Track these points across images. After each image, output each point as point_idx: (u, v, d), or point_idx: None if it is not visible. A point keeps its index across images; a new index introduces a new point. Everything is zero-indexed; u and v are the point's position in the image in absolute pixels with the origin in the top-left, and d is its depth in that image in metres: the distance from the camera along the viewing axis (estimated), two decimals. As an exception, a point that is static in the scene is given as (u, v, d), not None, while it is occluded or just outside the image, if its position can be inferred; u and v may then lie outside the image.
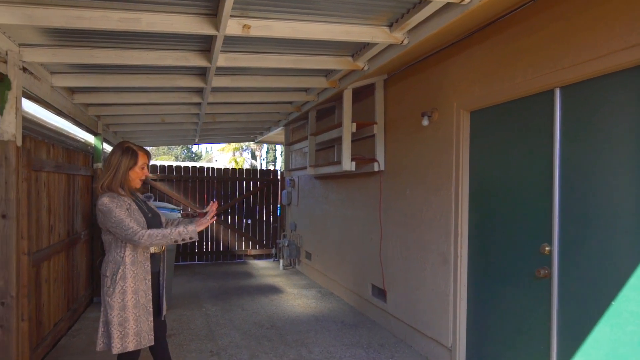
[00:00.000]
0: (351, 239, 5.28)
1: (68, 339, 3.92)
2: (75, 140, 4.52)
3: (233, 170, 8.52)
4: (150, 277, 2.46)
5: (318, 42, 3.29)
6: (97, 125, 5.12)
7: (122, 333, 2.31)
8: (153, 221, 2.57)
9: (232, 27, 2.68)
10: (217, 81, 3.95)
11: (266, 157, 29.98)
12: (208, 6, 2.52)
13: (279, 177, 8.66)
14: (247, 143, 25.46)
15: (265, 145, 27.31)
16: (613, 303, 2.23)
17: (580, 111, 2.44)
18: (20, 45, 2.85)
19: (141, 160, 2.48)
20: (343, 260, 5.52)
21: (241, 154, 29.19)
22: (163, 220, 2.71)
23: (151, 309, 2.45)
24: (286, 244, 7.34)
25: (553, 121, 2.59)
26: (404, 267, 4.10)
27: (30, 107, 3.32)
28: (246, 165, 27.41)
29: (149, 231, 2.34)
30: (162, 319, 2.66)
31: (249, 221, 8.52)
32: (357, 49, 3.58)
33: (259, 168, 19.16)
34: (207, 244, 8.22)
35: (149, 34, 2.86)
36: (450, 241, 3.45)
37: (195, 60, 3.29)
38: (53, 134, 3.92)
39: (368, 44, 3.40)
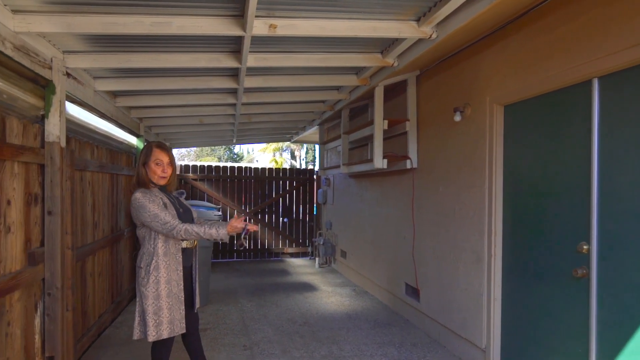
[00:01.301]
0: (385, 238, 5.22)
1: (112, 330, 4.16)
2: (119, 142, 4.78)
3: (270, 169, 8.67)
4: (181, 268, 2.56)
5: (346, 40, 3.28)
6: (139, 127, 5.38)
7: (157, 321, 2.42)
8: (184, 216, 2.66)
9: (259, 27, 2.73)
10: (249, 82, 4.03)
11: (305, 157, 30.25)
12: (235, 7, 2.58)
13: (315, 176, 8.71)
14: (286, 143, 25.82)
15: (305, 145, 27.58)
16: (660, 307, 2.07)
17: (620, 101, 2.28)
18: (64, 52, 3.06)
19: (154, 155, 2.55)
20: (377, 258, 5.47)
21: (281, 154, 29.64)
22: (194, 215, 2.81)
23: (183, 298, 2.55)
24: (321, 243, 7.37)
25: (591, 113, 2.43)
26: (437, 266, 4.00)
27: (75, 111, 3.55)
28: (286, 165, 27.79)
29: (186, 226, 2.42)
30: (195, 312, 2.76)
31: (286, 220, 8.63)
32: (385, 45, 3.53)
33: (298, 168, 19.40)
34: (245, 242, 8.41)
35: (182, 37, 2.97)
36: (484, 239, 3.32)
37: (226, 61, 3.38)
38: (99, 136, 4.17)
39: (396, 39, 3.35)
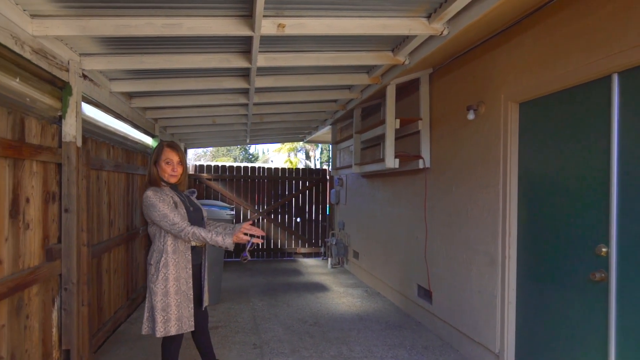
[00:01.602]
0: (397, 238, 5.18)
1: (127, 325, 4.23)
2: (134, 142, 4.86)
3: (283, 169, 8.70)
4: (190, 266, 2.58)
5: (356, 38, 3.27)
6: (154, 128, 5.47)
7: (165, 318, 2.46)
8: (194, 215, 2.69)
9: (267, 27, 2.74)
10: (260, 81, 4.06)
11: (320, 157, 30.26)
12: (243, 8, 2.60)
13: (328, 177, 8.70)
14: (301, 144, 25.89)
15: (320, 146, 27.61)
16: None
17: (640, 97, 2.21)
18: (81, 54, 3.13)
19: (164, 155, 2.59)
20: (389, 259, 5.43)
21: (296, 155, 29.74)
22: (204, 214, 2.84)
23: (192, 296, 2.57)
24: (334, 243, 7.36)
25: (610, 110, 2.36)
26: (450, 268, 3.94)
27: (92, 112, 3.62)
28: (300, 166, 27.85)
29: (194, 229, 2.45)
30: (203, 309, 2.79)
31: (299, 220, 8.65)
32: (396, 43, 3.51)
33: (311, 168, 19.34)
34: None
35: (193, 38, 3.01)
36: (498, 241, 3.26)
37: (237, 61, 3.41)
38: (115, 137, 4.25)
39: (407, 37, 3.33)
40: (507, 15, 2.91)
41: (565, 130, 2.71)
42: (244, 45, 3.24)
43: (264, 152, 38.04)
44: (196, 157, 30.32)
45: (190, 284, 2.57)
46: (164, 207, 2.48)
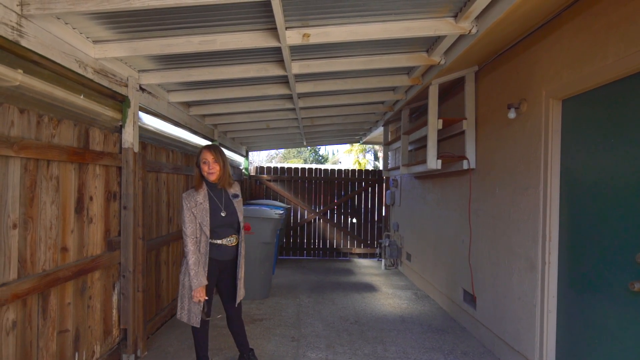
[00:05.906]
0: (445, 241, 5.06)
1: (184, 312, 4.67)
2: (193, 146, 5.33)
3: (339, 170, 8.84)
4: (207, 268, 2.81)
5: (386, 41, 3.31)
6: (213, 133, 5.94)
7: (180, 306, 2.79)
8: (226, 219, 2.90)
9: (293, 37, 2.91)
10: (301, 87, 4.25)
11: (389, 158, 29.79)
12: (269, 21, 2.80)
13: (384, 178, 8.67)
14: (370, 145, 25.76)
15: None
16: None
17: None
18: (139, 71, 3.57)
19: (201, 156, 2.89)
20: (438, 262, 5.32)
21: (364, 156, 29.71)
22: (240, 218, 3.04)
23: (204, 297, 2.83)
24: (387, 244, 7.34)
25: (646, 105, 2.17)
26: (492, 273, 3.79)
27: (152, 121, 4.08)
28: (369, 166, 27.75)
29: (190, 259, 2.72)
30: (236, 305, 3.02)
31: (354, 220, 8.73)
32: (429, 43, 3.48)
33: (367, 169, 19.16)
34: (314, 241, 8.71)
35: (230, 51, 3.29)
36: (538, 246, 3.10)
37: (273, 70, 3.63)
38: (174, 142, 4.72)
39: (439, 37, 3.29)
40: (541, 10, 2.77)
41: (609, 127, 2.52)
42: (278, 55, 3.45)
43: (333, 154, 38.44)
44: (268, 158, 31.64)
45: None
46: (184, 214, 2.78)
